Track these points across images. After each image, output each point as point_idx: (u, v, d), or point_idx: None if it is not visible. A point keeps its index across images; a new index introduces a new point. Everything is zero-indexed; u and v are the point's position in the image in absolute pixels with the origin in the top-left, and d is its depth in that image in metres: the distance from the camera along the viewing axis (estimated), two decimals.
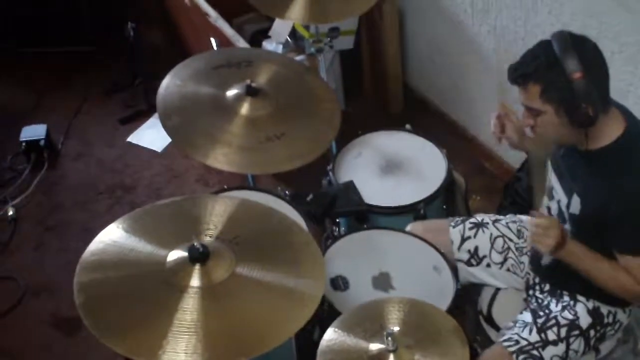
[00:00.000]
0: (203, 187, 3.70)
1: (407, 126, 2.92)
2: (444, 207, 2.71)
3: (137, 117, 4.19)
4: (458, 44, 3.52)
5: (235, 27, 3.73)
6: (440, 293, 2.29)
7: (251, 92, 2.34)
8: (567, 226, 2.09)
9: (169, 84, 2.46)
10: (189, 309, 1.67)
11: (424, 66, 3.89)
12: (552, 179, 2.16)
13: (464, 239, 2.43)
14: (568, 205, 2.09)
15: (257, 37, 3.95)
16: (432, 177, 2.69)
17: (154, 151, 3.97)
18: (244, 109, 2.34)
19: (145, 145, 4.01)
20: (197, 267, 1.72)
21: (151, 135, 4.04)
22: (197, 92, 2.43)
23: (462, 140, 3.69)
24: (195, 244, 1.73)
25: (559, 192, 2.13)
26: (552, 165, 2.17)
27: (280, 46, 3.75)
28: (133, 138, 4.08)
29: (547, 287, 2.29)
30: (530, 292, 2.34)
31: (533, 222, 2.04)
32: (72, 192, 3.83)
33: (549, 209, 2.21)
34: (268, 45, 3.81)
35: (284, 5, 2.66)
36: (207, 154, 2.26)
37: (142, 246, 1.82)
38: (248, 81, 2.36)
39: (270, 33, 3.72)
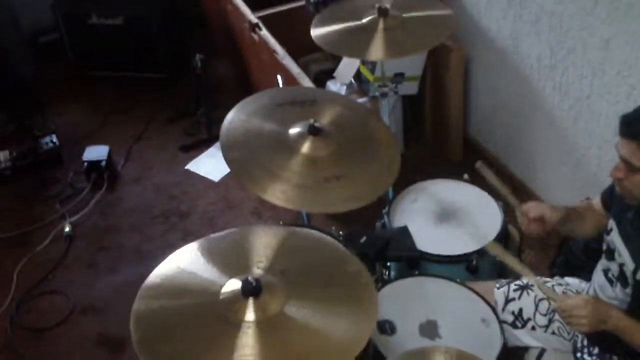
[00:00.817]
0: (257, 219, 3.73)
1: (465, 176, 2.92)
2: (497, 260, 2.69)
3: (198, 146, 4.26)
4: (521, 97, 3.51)
5: (301, 66, 3.78)
6: (487, 346, 2.26)
7: (313, 131, 2.36)
8: (628, 290, 2.06)
9: (233, 118, 2.49)
10: (244, 344, 1.68)
11: (486, 117, 3.89)
12: (616, 241, 2.12)
13: (508, 300, 2.41)
14: (635, 272, 2.04)
15: (321, 77, 4.00)
16: (487, 229, 2.67)
17: (211, 180, 4.02)
18: (305, 147, 2.35)
19: (203, 174, 4.07)
20: (251, 301, 1.74)
21: (209, 165, 4.10)
22: (261, 128, 2.45)
23: (518, 193, 3.66)
24: (248, 277, 1.75)
25: (624, 256, 2.08)
26: (617, 226, 2.13)
27: (344, 87, 3.79)
28: (192, 166, 4.14)
29: (595, 350, 2.25)
30: (578, 354, 2.29)
31: (558, 306, 2.02)
32: (128, 215, 3.90)
33: (605, 271, 2.18)
34: (332, 85, 3.86)
35: (361, 48, 2.71)
36: (265, 189, 2.27)
37: (197, 277, 1.84)
38: (311, 120, 2.38)
39: (335, 74, 3.76)
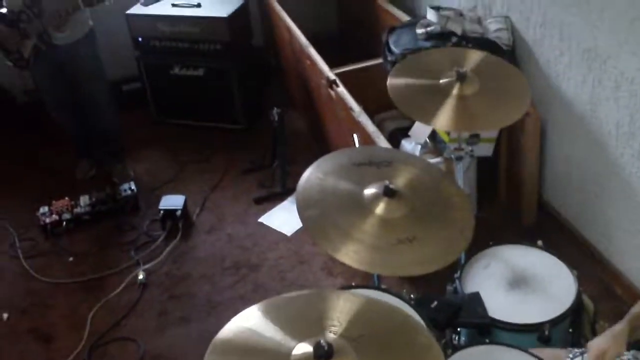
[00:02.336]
0: (327, 275, 3.74)
1: (539, 242, 2.88)
2: (570, 330, 2.64)
3: (271, 199, 4.31)
4: (598, 164, 3.47)
5: (377, 123, 3.81)
6: None
7: (388, 193, 2.37)
8: None
9: (310, 176, 2.52)
10: None
11: (561, 181, 3.84)
12: None
13: None
14: None
15: (396, 135, 4.02)
16: (561, 298, 2.62)
17: (283, 234, 4.05)
18: (380, 209, 2.36)
19: (276, 227, 4.10)
20: None
21: (282, 219, 4.14)
22: (336, 187, 2.48)
23: (593, 261, 3.60)
24: (321, 341, 1.75)
25: None
26: None
27: (419, 146, 3.80)
28: (265, 219, 4.18)
29: None
30: None
31: None
32: (200, 264, 3.95)
33: None
34: (407, 144, 3.87)
35: (430, 113, 2.71)
36: (338, 249, 2.28)
37: (268, 337, 1.85)
38: (386, 182, 2.39)
39: (411, 133, 3.77)
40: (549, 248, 2.85)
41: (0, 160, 5.10)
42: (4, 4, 4.17)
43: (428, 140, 3.79)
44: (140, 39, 4.92)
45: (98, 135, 4.69)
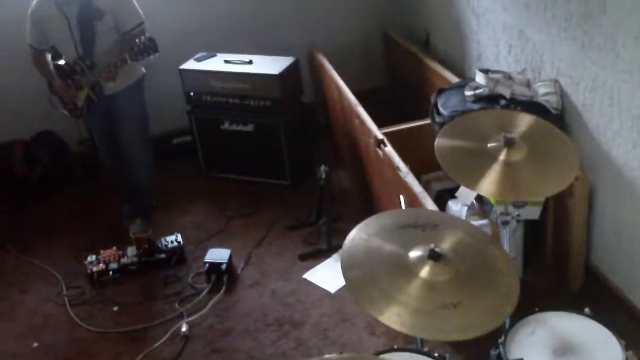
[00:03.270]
0: (369, 335, 3.71)
1: (587, 310, 2.84)
2: None
3: (316, 256, 4.31)
4: None
5: (423, 183, 3.81)
6: None
7: (434, 256, 2.37)
8: None
9: (355, 236, 2.54)
10: None
11: (609, 246, 3.79)
12: None
13: None
14: None
15: (443, 196, 4.02)
16: None
17: (327, 291, 4.04)
18: (424, 272, 2.36)
19: (319, 284, 4.10)
20: None
21: (326, 276, 4.13)
22: (381, 248, 2.48)
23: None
24: None
25: None
26: None
27: (465, 208, 3.79)
28: (309, 275, 4.19)
29: None
30: None
31: None
32: (243, 319, 3.95)
33: None
34: (453, 205, 3.87)
35: (475, 177, 2.71)
36: (382, 311, 2.28)
37: None
38: (432, 245, 2.39)
39: (457, 194, 3.77)
40: (597, 315, 2.81)
41: (51, 207, 5.24)
42: (61, 53, 4.32)
43: (475, 202, 3.79)
44: (192, 94, 5.02)
45: (129, 186, 4.78)
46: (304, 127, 5.16)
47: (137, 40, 4.07)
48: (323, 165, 4.29)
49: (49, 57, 4.41)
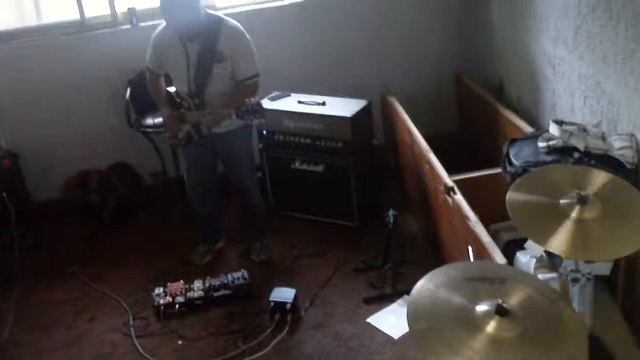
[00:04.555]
0: None
1: None
2: None
3: (381, 300, 4.30)
4: None
5: (492, 232, 3.78)
6: None
7: (501, 312, 2.35)
8: None
9: (422, 287, 2.53)
10: None
11: None
12: None
13: None
14: None
15: (511, 246, 3.97)
16: None
17: (391, 337, 4.02)
18: (491, 327, 2.34)
19: (383, 329, 4.07)
20: None
21: (390, 321, 4.11)
22: (448, 301, 2.47)
23: None
24: None
25: None
26: None
27: (534, 260, 3.74)
28: (373, 319, 4.17)
29: None
30: None
31: None
32: None
33: None
34: (522, 256, 3.82)
35: (546, 233, 2.68)
36: None
37: None
38: (499, 300, 2.37)
39: (526, 245, 3.72)
40: None
41: (122, 237, 5.36)
42: (173, 83, 4.43)
43: (544, 254, 3.73)
44: (265, 132, 5.10)
45: (247, 215, 4.87)
46: (373, 170, 5.18)
47: (247, 100, 4.09)
48: (392, 210, 4.29)
49: (162, 81, 4.53)
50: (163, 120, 4.51)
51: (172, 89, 4.46)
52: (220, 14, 4.36)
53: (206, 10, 4.27)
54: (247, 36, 4.30)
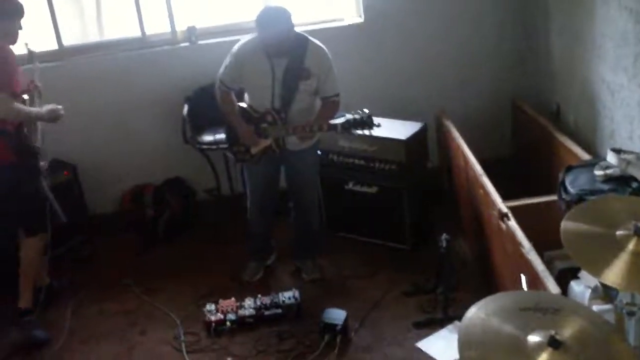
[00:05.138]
0: None
1: None
2: None
3: (431, 325, 4.27)
4: None
5: (546, 260, 3.74)
6: None
7: (553, 344, 2.32)
8: None
9: (474, 314, 2.52)
10: None
11: None
12: None
13: None
14: None
15: (565, 275, 3.92)
16: None
17: None
18: (542, 359, 2.32)
19: (433, 355, 4.04)
20: None
21: (440, 346, 4.08)
22: (500, 330, 2.45)
23: None
24: None
25: None
26: None
27: (589, 289, 3.69)
28: (422, 344, 4.14)
29: None
30: None
31: None
32: None
33: None
34: (576, 286, 3.77)
35: (601, 264, 2.64)
36: None
37: None
38: (552, 332, 2.34)
39: (581, 275, 3.69)
40: None
41: (176, 251, 5.43)
42: (246, 99, 4.52)
43: (599, 284, 3.68)
44: (319, 152, 5.11)
45: (303, 233, 4.92)
46: (427, 193, 5.16)
47: (359, 111, 4.25)
48: (445, 234, 4.26)
49: (234, 96, 4.58)
50: (240, 135, 4.51)
51: (243, 104, 4.51)
52: (306, 34, 4.43)
53: (295, 31, 4.34)
54: (330, 56, 4.39)
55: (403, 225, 4.98)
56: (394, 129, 4.94)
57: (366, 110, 4.27)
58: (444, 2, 5.60)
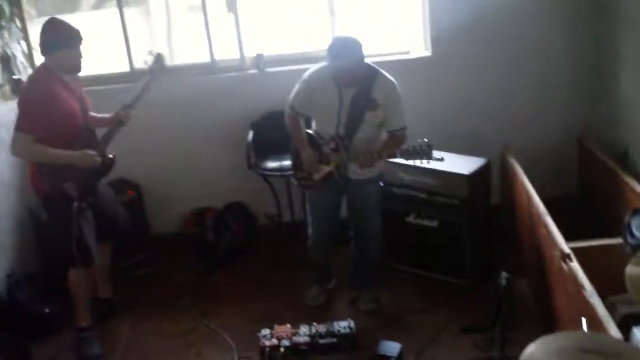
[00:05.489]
0: None
1: None
2: None
3: None
4: None
5: (609, 304, 3.66)
6: None
7: None
8: None
9: (532, 353, 2.50)
10: None
11: None
12: None
13: None
14: None
15: (628, 320, 3.83)
16: None
17: None
18: None
19: None
20: None
21: None
22: None
23: None
24: None
25: None
26: None
27: None
28: None
29: None
30: None
31: None
32: None
33: None
34: (638, 332, 3.69)
35: None
36: None
37: None
38: None
39: None
40: None
41: (234, 275, 5.49)
42: (313, 126, 4.59)
43: None
44: (381, 183, 5.12)
45: (362, 263, 4.92)
46: (488, 229, 5.12)
47: (418, 141, 4.26)
48: (504, 273, 4.20)
49: (302, 122, 4.66)
50: (302, 159, 4.58)
51: (310, 131, 4.59)
52: (376, 67, 4.46)
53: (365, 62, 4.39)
54: (399, 90, 4.42)
55: (463, 261, 4.93)
56: (457, 163, 4.93)
57: (426, 140, 4.26)
58: (514, 36, 5.56)
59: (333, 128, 4.41)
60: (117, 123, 4.55)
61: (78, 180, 4.34)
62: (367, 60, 4.37)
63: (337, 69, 4.28)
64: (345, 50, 4.25)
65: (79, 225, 4.39)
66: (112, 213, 4.75)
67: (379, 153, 4.33)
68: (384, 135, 4.48)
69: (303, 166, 4.59)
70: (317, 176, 4.55)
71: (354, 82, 4.32)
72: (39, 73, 4.43)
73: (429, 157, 4.24)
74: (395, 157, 4.32)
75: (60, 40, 4.29)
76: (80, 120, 4.41)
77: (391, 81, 4.41)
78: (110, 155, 4.55)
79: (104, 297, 4.87)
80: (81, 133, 4.40)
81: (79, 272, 4.57)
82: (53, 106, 4.25)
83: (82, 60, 4.38)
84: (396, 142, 4.39)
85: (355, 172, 4.50)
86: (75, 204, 4.35)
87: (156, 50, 4.75)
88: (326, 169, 4.51)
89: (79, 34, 4.33)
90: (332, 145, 4.44)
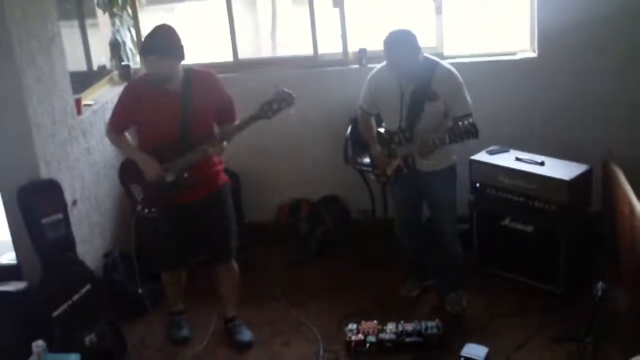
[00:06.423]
0: None
1: None
2: None
3: None
4: None
5: None
6: None
7: None
8: None
9: None
10: None
11: None
12: None
13: None
14: None
15: None
16: None
17: None
18: None
19: None
20: None
21: None
22: None
23: None
24: None
25: None
26: None
27: None
28: None
29: None
30: None
31: None
32: None
33: None
34: None
35: None
36: None
37: None
38: None
39: None
40: None
41: (326, 268, 5.54)
42: (384, 122, 4.64)
43: None
44: (478, 185, 5.05)
45: (443, 262, 4.88)
46: (586, 237, 4.96)
47: (460, 123, 4.25)
48: (601, 282, 4.09)
49: (373, 121, 4.75)
50: (373, 157, 4.73)
51: (381, 130, 4.66)
52: (436, 59, 4.50)
53: (424, 55, 4.43)
54: (460, 79, 4.41)
55: (558, 268, 4.80)
56: (557, 168, 4.82)
57: (470, 120, 4.24)
58: (625, 38, 5.36)
59: (397, 122, 4.47)
60: (200, 151, 4.21)
61: (144, 185, 4.33)
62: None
63: (394, 61, 4.37)
64: (399, 41, 4.33)
65: (138, 230, 4.47)
66: (218, 237, 4.58)
67: (432, 140, 4.29)
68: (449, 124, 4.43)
69: (376, 164, 4.71)
70: (389, 171, 4.63)
71: (413, 76, 4.37)
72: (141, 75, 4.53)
73: (475, 135, 4.18)
74: (443, 143, 4.26)
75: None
76: (165, 129, 4.22)
77: (449, 70, 4.42)
78: (185, 175, 4.23)
79: (226, 317, 4.81)
80: (169, 143, 4.22)
81: (164, 274, 4.75)
82: (133, 108, 4.28)
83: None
84: (457, 124, 4.29)
85: (422, 163, 4.51)
86: (139, 207, 4.37)
87: (288, 90, 4.29)
88: (394, 162, 4.58)
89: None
90: (396, 138, 4.50)
